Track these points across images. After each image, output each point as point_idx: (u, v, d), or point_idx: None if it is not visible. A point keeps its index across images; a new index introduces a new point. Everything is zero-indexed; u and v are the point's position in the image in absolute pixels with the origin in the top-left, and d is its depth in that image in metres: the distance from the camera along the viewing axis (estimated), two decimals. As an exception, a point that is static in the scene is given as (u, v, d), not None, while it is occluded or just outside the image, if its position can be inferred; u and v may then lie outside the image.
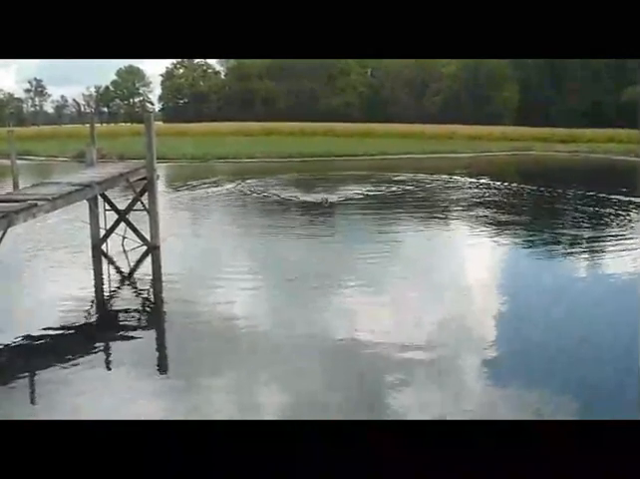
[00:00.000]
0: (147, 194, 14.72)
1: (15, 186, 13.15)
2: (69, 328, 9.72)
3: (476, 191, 27.07)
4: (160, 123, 78.15)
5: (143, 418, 6.55)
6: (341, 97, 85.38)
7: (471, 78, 76.29)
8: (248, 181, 30.40)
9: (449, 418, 6.53)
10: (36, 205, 10.88)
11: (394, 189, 27.55)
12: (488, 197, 25.42)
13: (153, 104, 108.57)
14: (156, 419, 6.24)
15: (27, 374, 8.20)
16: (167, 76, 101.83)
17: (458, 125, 61.07)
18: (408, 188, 27.96)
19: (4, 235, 10.16)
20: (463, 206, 22.87)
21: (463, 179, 31.24)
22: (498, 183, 29.50)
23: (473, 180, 30.85)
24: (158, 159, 15.05)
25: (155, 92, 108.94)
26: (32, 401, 7.50)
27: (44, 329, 9.56)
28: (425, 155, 44.57)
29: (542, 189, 27.43)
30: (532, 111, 70.86)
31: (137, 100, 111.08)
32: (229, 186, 28.84)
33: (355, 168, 37.52)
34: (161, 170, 15.27)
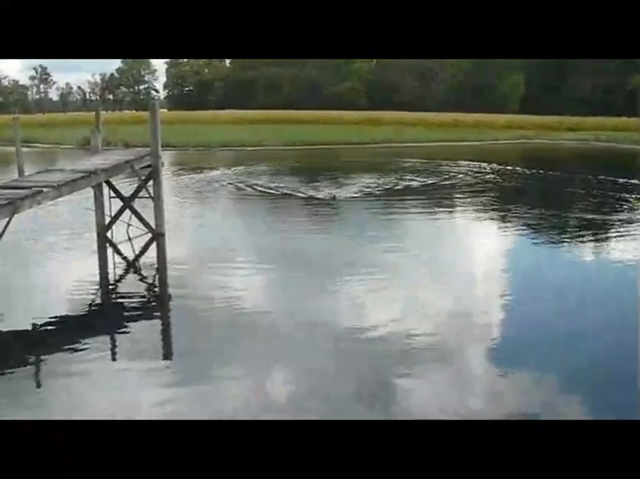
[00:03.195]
0: (152, 181, 14.73)
1: (20, 173, 13.17)
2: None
3: (512, 177, 27.19)
4: (166, 110, 78.14)
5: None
6: (346, 84, 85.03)
7: (475, 66, 75.89)
8: (235, 168, 29.70)
9: (449, 418, 6.51)
10: (41, 191, 10.90)
11: (432, 180, 26.01)
12: (531, 184, 25.89)
13: (158, 91, 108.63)
14: (156, 419, 6.25)
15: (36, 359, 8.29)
16: (172, 64, 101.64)
17: (463, 113, 60.83)
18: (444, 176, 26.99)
19: (10, 221, 10.20)
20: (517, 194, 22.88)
21: (490, 166, 30.73)
22: (524, 170, 29.71)
23: (500, 167, 30.50)
24: (162, 146, 15.03)
25: (160, 79, 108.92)
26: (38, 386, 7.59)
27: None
28: (432, 143, 44.11)
29: (573, 174, 27.88)
30: (538, 99, 70.55)
31: (142, 87, 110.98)
32: (214, 173, 28.11)
33: (366, 155, 37.20)
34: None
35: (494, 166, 30.70)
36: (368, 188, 23.23)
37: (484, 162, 32.00)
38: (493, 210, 20.15)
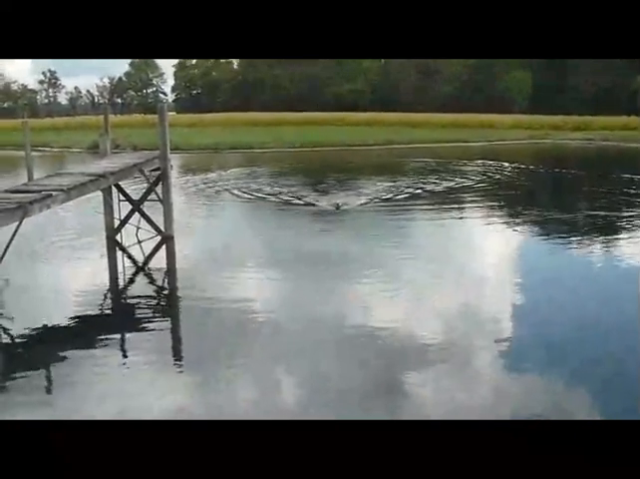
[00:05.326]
0: (160, 184, 14.79)
1: (30, 177, 13.25)
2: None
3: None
4: (174, 113, 78.27)
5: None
6: (353, 85, 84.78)
7: (481, 65, 75.51)
8: (231, 170, 29.35)
9: (449, 418, 6.51)
10: (50, 195, 10.98)
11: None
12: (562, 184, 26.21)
13: (166, 94, 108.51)
14: (156, 419, 6.29)
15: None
16: (180, 66, 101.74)
17: (470, 113, 60.58)
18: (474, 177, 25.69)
19: (20, 224, 10.28)
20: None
21: (511, 165, 30.37)
22: (548, 169, 29.92)
23: (523, 167, 30.33)
24: (171, 149, 15.09)
25: (168, 82, 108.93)
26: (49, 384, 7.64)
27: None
28: (441, 144, 43.59)
29: (600, 174, 27.90)
30: (544, 98, 70.18)
31: (150, 91, 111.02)
32: (209, 175, 27.36)
33: (376, 157, 36.85)
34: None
35: (517, 165, 30.35)
36: (388, 192, 20.74)
37: (505, 161, 31.59)
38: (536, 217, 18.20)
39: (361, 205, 18.39)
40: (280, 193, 21.17)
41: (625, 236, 15.34)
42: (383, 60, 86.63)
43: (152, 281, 12.52)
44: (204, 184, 24.80)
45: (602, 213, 18.19)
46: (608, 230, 16.12)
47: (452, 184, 23.51)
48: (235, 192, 21.80)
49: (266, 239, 15.48)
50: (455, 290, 10.93)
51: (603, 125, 51.69)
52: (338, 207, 17.41)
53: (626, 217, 17.68)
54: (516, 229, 16.45)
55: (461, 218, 17.74)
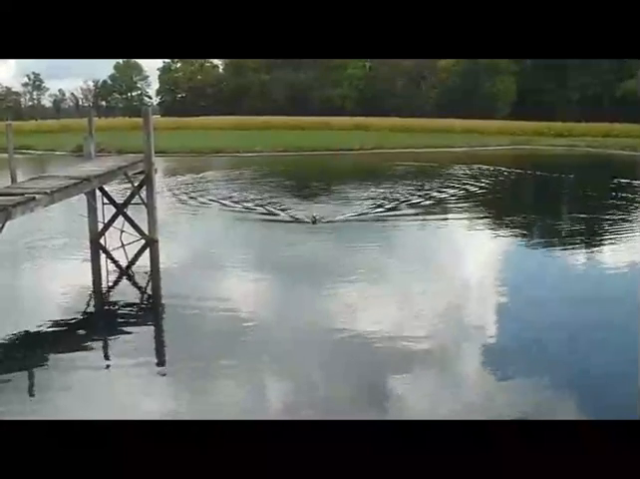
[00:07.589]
0: (145, 187, 14.72)
1: (13, 179, 13.15)
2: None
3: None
4: (158, 116, 78.00)
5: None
6: (338, 90, 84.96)
7: (466, 70, 75.93)
8: (206, 172, 29.11)
9: (449, 418, 6.51)
10: (34, 198, 10.90)
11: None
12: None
13: (150, 98, 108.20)
14: (156, 419, 6.26)
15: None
16: (165, 70, 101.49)
17: (455, 119, 60.82)
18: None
19: (2, 228, 10.19)
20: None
21: (509, 169, 30.68)
22: (546, 174, 30.15)
23: (519, 171, 30.73)
24: (155, 152, 15.04)
25: (152, 86, 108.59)
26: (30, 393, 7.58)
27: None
28: (430, 149, 43.46)
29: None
30: (529, 104, 70.64)
31: (135, 94, 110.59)
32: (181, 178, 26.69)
33: (366, 162, 36.83)
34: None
35: (514, 170, 30.73)
36: (371, 200, 19.96)
37: (502, 166, 31.92)
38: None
39: (343, 219, 17.04)
40: (247, 199, 20.47)
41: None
42: (368, 65, 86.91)
43: (134, 284, 12.48)
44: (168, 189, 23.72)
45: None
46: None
47: (454, 190, 23.08)
48: (200, 199, 21.07)
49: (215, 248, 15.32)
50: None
51: (587, 131, 52.24)
52: (315, 220, 15.98)
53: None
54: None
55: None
